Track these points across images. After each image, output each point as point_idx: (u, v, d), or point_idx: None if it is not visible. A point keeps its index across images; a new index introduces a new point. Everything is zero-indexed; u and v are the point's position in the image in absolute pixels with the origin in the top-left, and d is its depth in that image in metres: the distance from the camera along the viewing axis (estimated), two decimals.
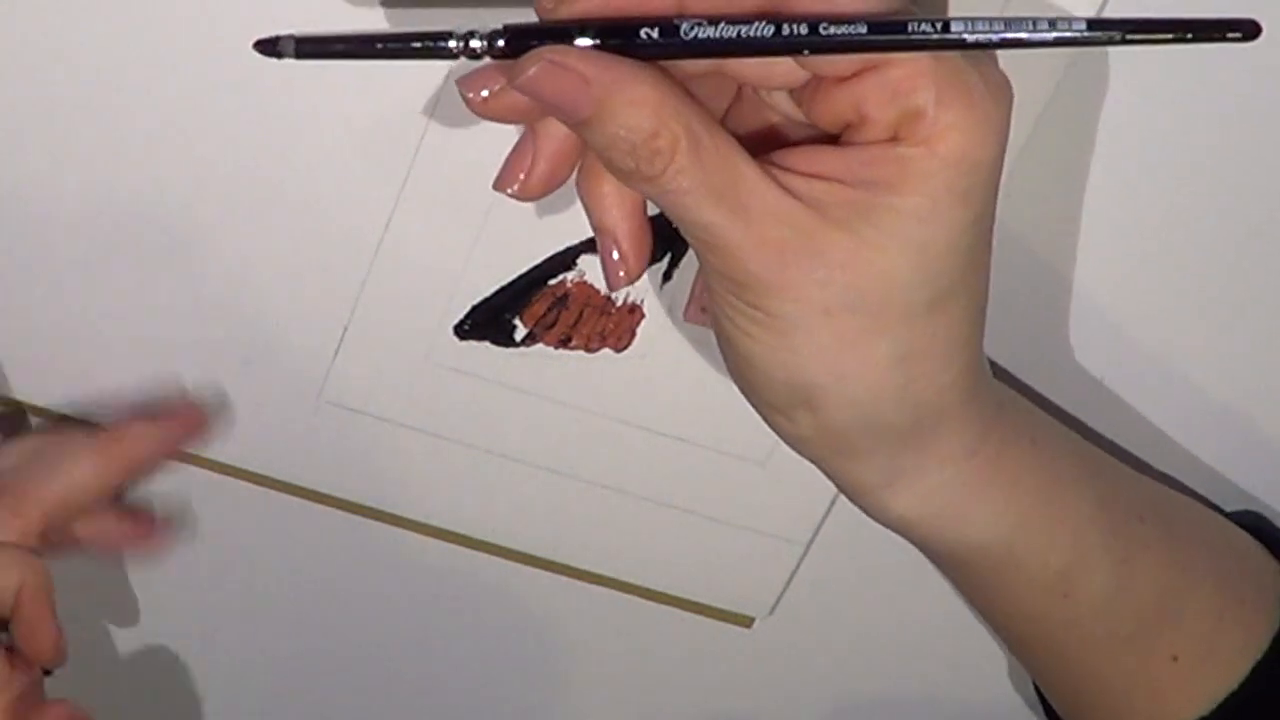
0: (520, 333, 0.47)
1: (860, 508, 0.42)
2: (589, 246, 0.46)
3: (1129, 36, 0.34)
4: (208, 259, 0.45)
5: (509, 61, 0.36)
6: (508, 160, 0.38)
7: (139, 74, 0.42)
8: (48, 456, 0.45)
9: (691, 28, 0.35)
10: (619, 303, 0.47)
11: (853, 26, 0.34)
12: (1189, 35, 0.33)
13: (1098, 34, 0.34)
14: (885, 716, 0.58)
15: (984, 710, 0.58)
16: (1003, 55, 0.37)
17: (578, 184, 0.39)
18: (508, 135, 0.43)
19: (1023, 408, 0.44)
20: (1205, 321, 0.49)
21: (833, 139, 0.37)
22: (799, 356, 0.37)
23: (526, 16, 0.36)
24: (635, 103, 0.35)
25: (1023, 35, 0.34)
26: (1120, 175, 0.47)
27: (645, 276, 0.47)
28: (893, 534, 0.53)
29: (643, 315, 0.47)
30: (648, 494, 0.51)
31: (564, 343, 0.47)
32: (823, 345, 0.37)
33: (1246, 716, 0.45)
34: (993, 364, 0.42)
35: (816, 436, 0.39)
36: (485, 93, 0.36)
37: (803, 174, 0.36)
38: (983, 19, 0.34)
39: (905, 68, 0.35)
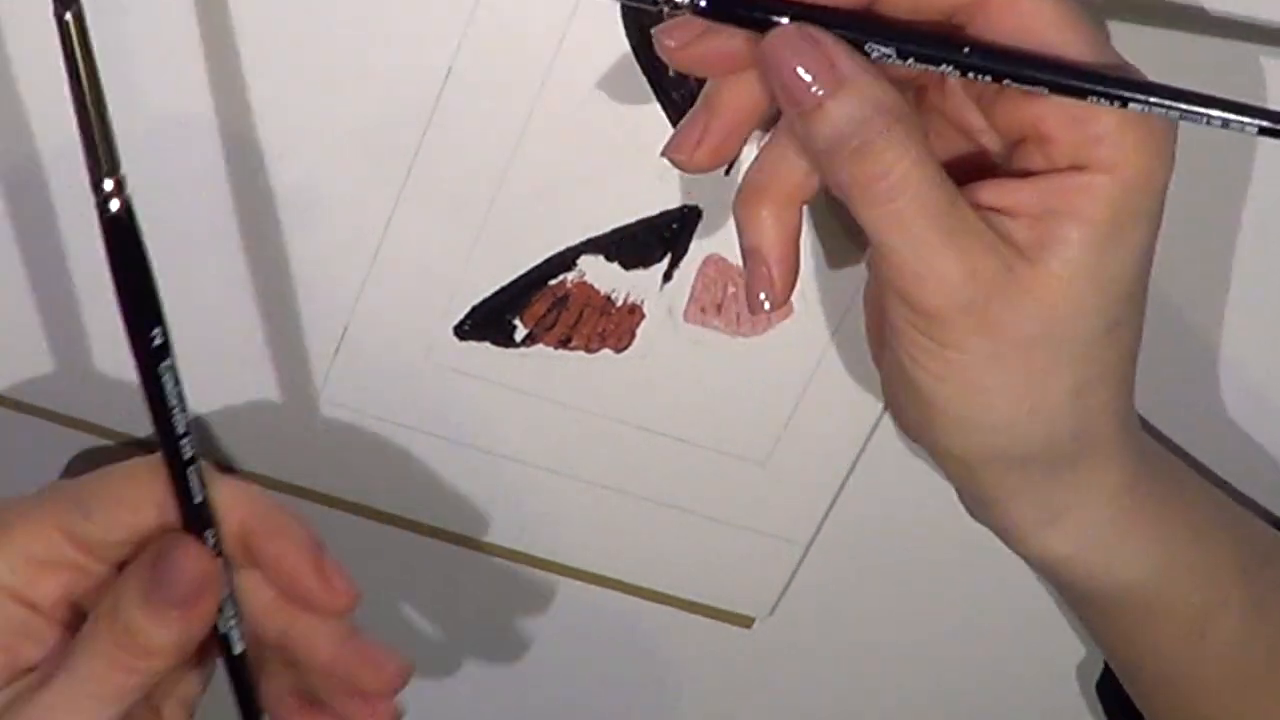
0: (520, 333, 0.47)
1: (1018, 550, 0.42)
2: (589, 246, 0.46)
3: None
4: (208, 259, 0.45)
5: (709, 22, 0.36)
6: (681, 127, 0.38)
7: (138, 73, 0.42)
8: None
9: (875, 49, 0.35)
10: (619, 303, 0.47)
11: (1044, 73, 0.35)
12: None
13: (1267, 135, 0.34)
14: (885, 716, 0.58)
15: (984, 709, 0.58)
16: None
17: (735, 203, 0.39)
18: (508, 135, 0.44)
19: (1160, 450, 0.44)
20: None
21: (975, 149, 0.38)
22: (988, 396, 0.37)
23: None
24: (871, 93, 0.34)
25: (1197, 110, 0.34)
26: (1271, 220, 0.47)
27: (645, 276, 0.47)
28: (893, 534, 0.53)
29: (643, 315, 0.47)
30: (648, 494, 0.51)
31: (564, 343, 0.47)
32: (1012, 381, 0.37)
33: None
34: None
35: (989, 477, 0.39)
36: (678, 41, 0.36)
37: (989, 208, 0.36)
38: (1158, 99, 0.34)
39: None
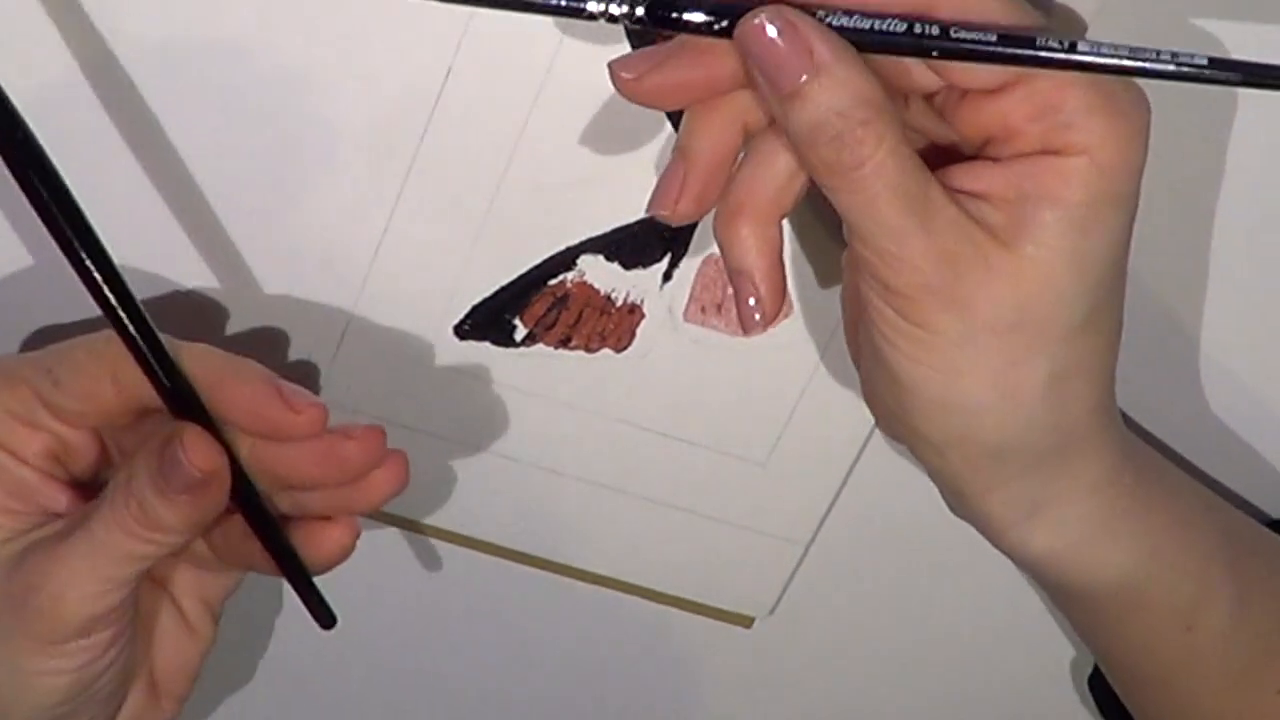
0: (520, 333, 0.47)
1: (999, 545, 0.42)
2: (589, 246, 0.46)
3: (1248, 79, 0.33)
4: (208, 259, 0.45)
5: (661, 45, 0.36)
6: (659, 183, 0.39)
7: (137, 73, 0.42)
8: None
9: (827, 15, 0.35)
10: (619, 303, 0.47)
11: (983, 35, 0.34)
12: None
13: (1218, 73, 0.33)
14: (885, 716, 0.58)
15: (983, 708, 0.58)
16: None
17: (715, 226, 0.39)
18: (508, 136, 0.44)
19: (1142, 444, 0.44)
20: None
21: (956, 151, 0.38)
22: (961, 378, 0.37)
23: None
24: (851, 83, 0.34)
25: (1145, 65, 0.34)
26: (1249, 214, 0.47)
27: (645, 276, 0.47)
28: (892, 534, 0.53)
29: (643, 315, 0.47)
30: (648, 494, 0.51)
31: (564, 343, 0.47)
32: (986, 364, 0.37)
33: None
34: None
35: (965, 466, 0.39)
36: (634, 73, 0.36)
37: (964, 192, 0.36)
38: (1107, 44, 0.34)
39: (1051, 80, 0.35)
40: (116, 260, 0.37)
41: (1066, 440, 0.39)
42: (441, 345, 0.47)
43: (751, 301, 0.39)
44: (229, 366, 0.40)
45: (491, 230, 0.45)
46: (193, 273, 0.45)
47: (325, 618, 0.44)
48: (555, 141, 0.44)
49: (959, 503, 0.41)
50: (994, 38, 0.34)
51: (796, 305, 0.47)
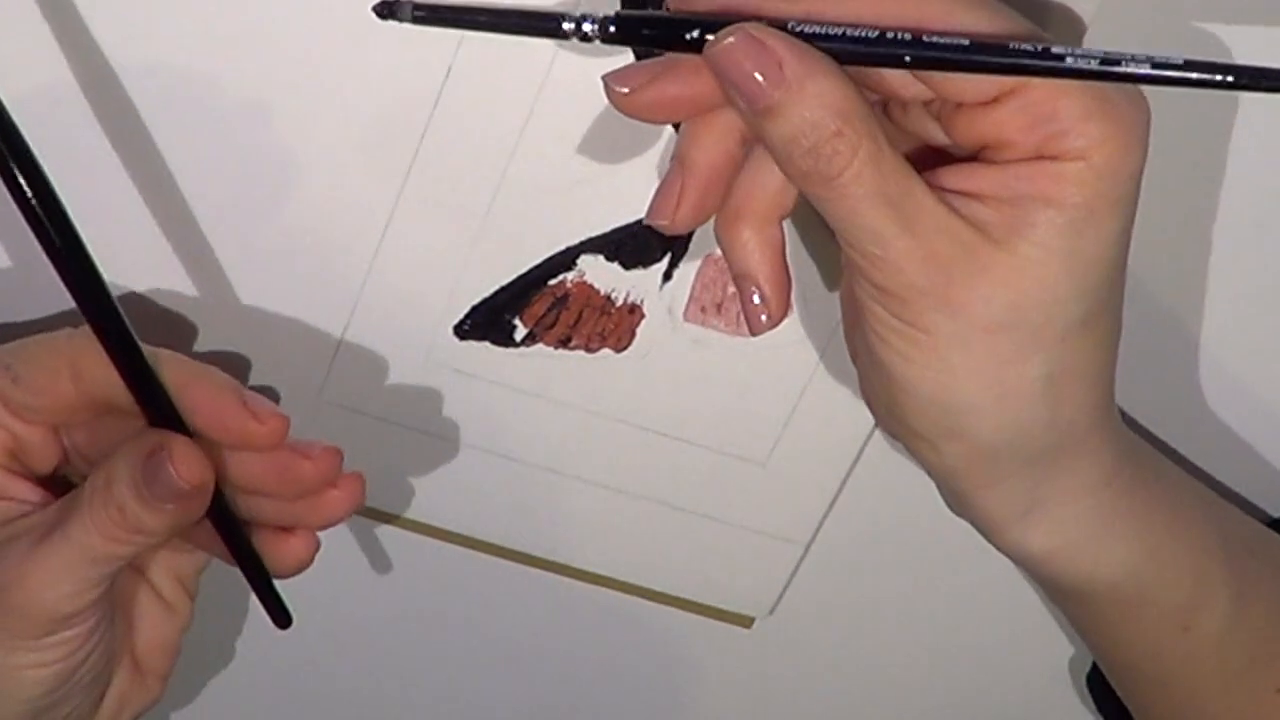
0: (520, 333, 0.47)
1: (997, 544, 0.42)
2: (589, 246, 0.46)
3: (1228, 80, 0.33)
4: (207, 259, 0.45)
5: (654, 60, 0.36)
6: (658, 193, 0.39)
7: (137, 72, 0.42)
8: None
9: (798, 25, 0.35)
10: (619, 303, 0.47)
11: (954, 40, 0.34)
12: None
13: (1195, 75, 0.33)
14: (885, 716, 0.58)
15: (983, 708, 0.58)
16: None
17: (716, 229, 0.39)
18: (508, 136, 0.44)
19: (1141, 443, 0.44)
20: None
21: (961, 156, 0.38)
22: (955, 376, 0.37)
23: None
24: (823, 96, 0.34)
25: (1125, 69, 0.34)
26: (1249, 214, 0.47)
27: (645, 276, 0.47)
28: (892, 534, 0.53)
29: (643, 315, 0.47)
30: (648, 494, 0.51)
31: (564, 343, 0.47)
32: (979, 364, 0.37)
33: None
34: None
35: (962, 465, 0.39)
36: (629, 87, 0.37)
37: (958, 192, 0.36)
38: (1083, 49, 0.34)
39: (1044, 90, 0.35)
40: (108, 259, 0.37)
41: (1064, 440, 0.39)
42: (441, 345, 0.47)
43: (757, 301, 0.39)
44: (196, 372, 0.40)
45: (491, 230, 0.45)
46: (192, 273, 0.45)
47: (281, 618, 0.44)
48: (555, 141, 0.44)
49: (957, 501, 0.41)
50: (965, 42, 0.34)
51: (796, 305, 0.47)
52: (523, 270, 0.46)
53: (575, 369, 0.48)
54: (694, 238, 0.46)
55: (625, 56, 0.42)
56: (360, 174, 0.44)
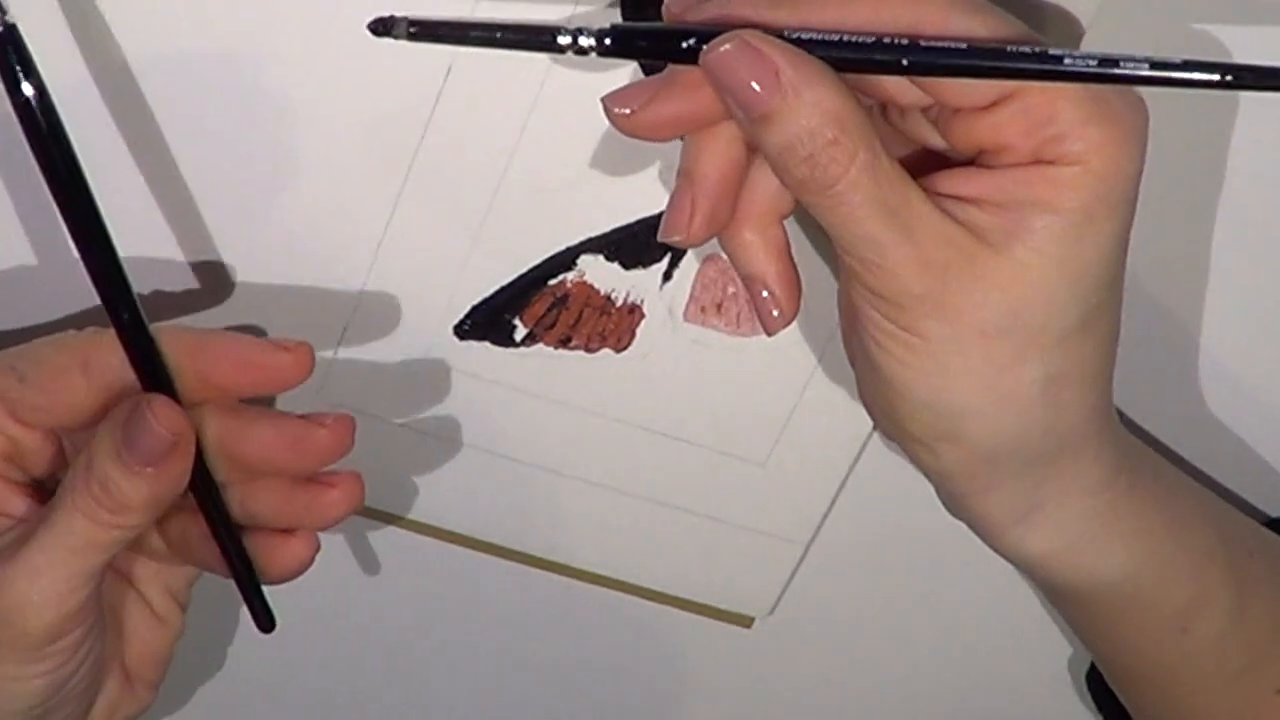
0: (520, 333, 0.47)
1: (995, 547, 0.42)
2: (589, 246, 0.46)
3: (1227, 79, 0.33)
4: (208, 259, 0.45)
5: (654, 78, 0.36)
6: (670, 209, 0.38)
7: (137, 72, 0.42)
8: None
9: (794, 33, 0.35)
10: (619, 303, 0.47)
11: (950, 44, 0.34)
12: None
13: (1195, 75, 0.33)
14: (885, 716, 0.58)
15: (983, 708, 0.58)
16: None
17: (720, 234, 0.39)
18: (508, 136, 0.44)
19: (1139, 445, 0.44)
20: None
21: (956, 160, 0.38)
22: (951, 380, 0.37)
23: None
24: (820, 103, 0.34)
25: (1123, 71, 0.34)
26: (1249, 214, 0.47)
27: (645, 276, 0.47)
28: (892, 534, 0.53)
29: (643, 315, 0.47)
30: (648, 494, 0.51)
31: (564, 343, 0.47)
32: (976, 368, 0.37)
33: None
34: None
35: (959, 468, 0.39)
36: (630, 107, 0.36)
37: (955, 198, 0.36)
38: (1081, 52, 0.34)
39: (1042, 94, 0.35)
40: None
41: (1062, 443, 0.39)
42: (441, 345, 0.47)
43: (767, 299, 0.39)
44: (209, 334, 0.40)
45: (491, 230, 0.45)
46: (191, 274, 0.45)
47: (265, 621, 0.44)
48: (555, 142, 0.44)
49: (954, 504, 0.41)
50: (963, 47, 0.34)
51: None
52: (523, 270, 0.46)
53: (575, 369, 0.48)
54: None
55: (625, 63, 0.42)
56: (360, 174, 0.44)
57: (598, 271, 0.46)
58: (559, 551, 0.52)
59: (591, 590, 0.53)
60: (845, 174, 0.35)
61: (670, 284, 0.47)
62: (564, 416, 0.49)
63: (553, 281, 0.46)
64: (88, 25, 0.41)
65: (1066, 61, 0.34)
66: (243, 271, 0.45)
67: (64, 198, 0.37)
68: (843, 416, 0.49)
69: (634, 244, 0.46)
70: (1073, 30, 0.43)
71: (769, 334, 0.40)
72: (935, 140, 0.38)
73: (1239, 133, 0.46)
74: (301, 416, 0.41)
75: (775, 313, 0.39)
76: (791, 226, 0.41)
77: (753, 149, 0.38)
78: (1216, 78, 0.33)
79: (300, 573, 0.43)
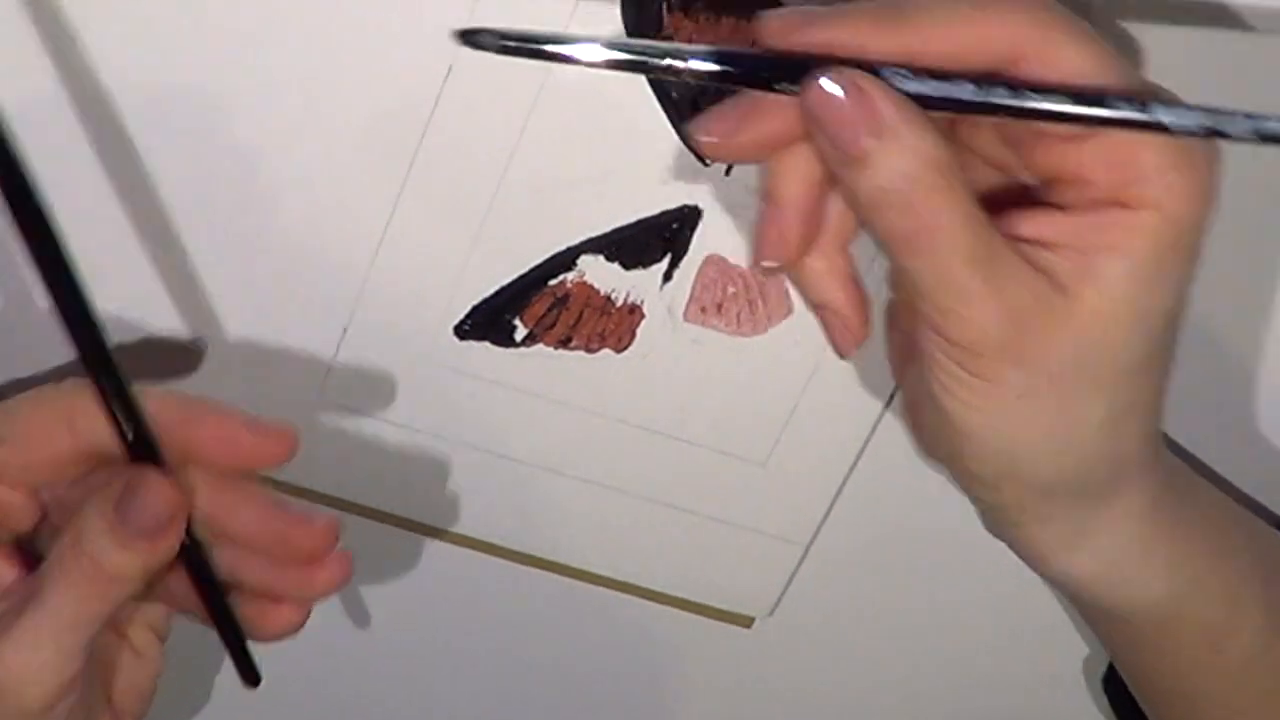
0: (520, 333, 0.47)
1: (1039, 570, 0.42)
2: (589, 246, 0.46)
3: None
4: (208, 259, 0.45)
5: (732, 101, 0.36)
6: (758, 234, 0.38)
7: (136, 73, 0.42)
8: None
9: (894, 75, 0.34)
10: (619, 303, 0.47)
11: (1054, 99, 0.34)
12: None
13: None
14: (885, 716, 0.58)
15: (984, 708, 0.58)
16: None
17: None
18: (508, 136, 0.44)
19: (1181, 466, 0.44)
20: None
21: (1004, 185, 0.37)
22: (1020, 425, 0.37)
23: None
24: (918, 149, 0.34)
25: (1225, 128, 0.33)
26: None
27: (645, 276, 0.47)
28: (892, 534, 0.53)
29: (643, 315, 0.47)
30: (648, 494, 0.51)
31: (564, 343, 0.47)
32: (1044, 410, 0.36)
33: None
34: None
35: (1016, 502, 0.39)
36: (718, 135, 0.36)
37: (1032, 241, 0.36)
38: (1184, 105, 0.34)
39: (1127, 134, 0.34)
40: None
41: (1117, 473, 0.39)
42: (441, 345, 0.47)
43: (840, 325, 0.39)
44: (197, 403, 0.40)
45: (491, 230, 0.45)
46: (193, 273, 0.45)
47: (251, 678, 0.44)
48: (555, 141, 0.44)
49: (1000, 529, 0.41)
50: (1067, 102, 0.34)
51: (796, 305, 0.47)
52: (523, 270, 0.46)
53: (575, 369, 0.48)
54: (694, 238, 0.46)
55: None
56: (360, 174, 0.44)
57: (598, 271, 0.46)
58: (559, 551, 0.52)
59: (592, 590, 0.53)
60: (943, 223, 0.34)
61: (670, 284, 0.47)
62: (564, 416, 0.49)
63: (553, 282, 0.46)
64: (77, 27, 0.41)
65: (1169, 121, 0.34)
66: (243, 272, 0.45)
67: (34, 241, 0.36)
68: (843, 416, 0.49)
69: (634, 244, 0.46)
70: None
71: (844, 356, 0.39)
72: (1007, 158, 0.38)
73: None
74: (289, 511, 0.41)
75: (849, 337, 0.39)
76: None
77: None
78: None
79: (291, 635, 0.43)
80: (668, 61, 0.34)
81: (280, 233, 0.44)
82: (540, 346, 0.47)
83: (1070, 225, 0.36)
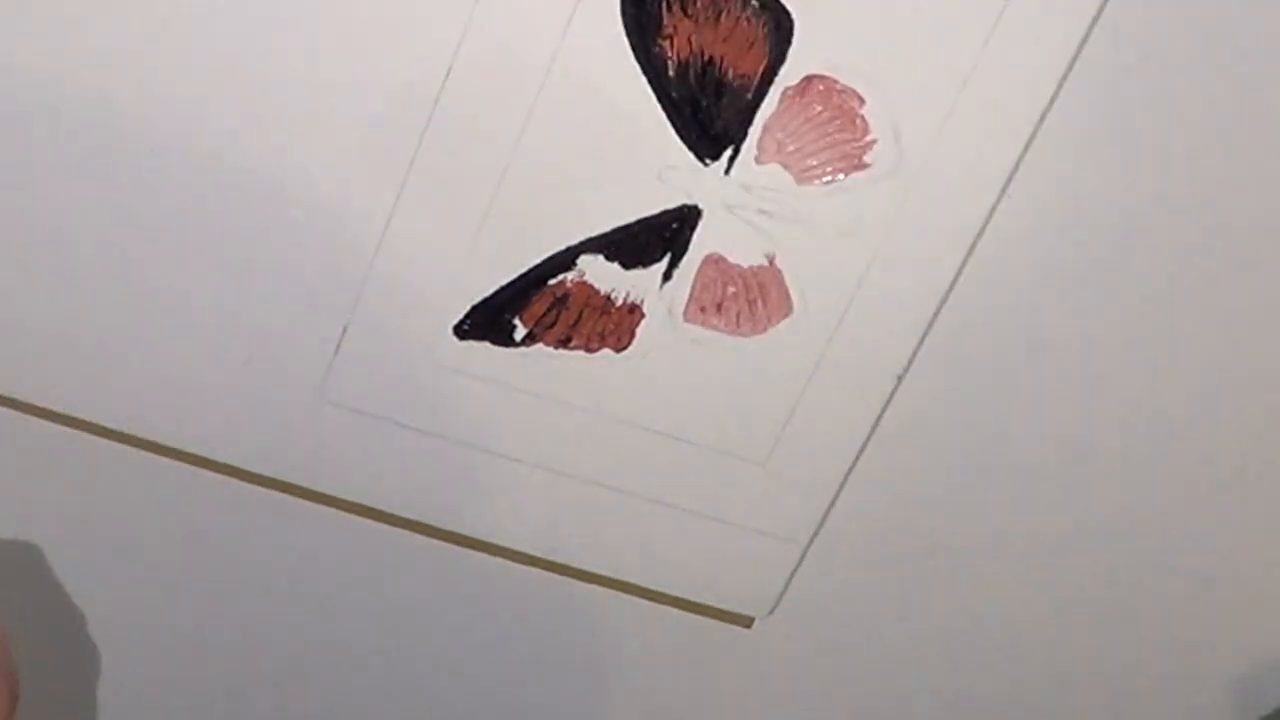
0: (520, 332, 0.47)
1: None
2: (589, 246, 0.46)
3: None
4: (208, 259, 0.45)
5: None
6: None
7: (138, 72, 0.42)
8: None
9: None
10: (619, 303, 0.47)
11: None
12: None
13: None
14: (885, 716, 0.58)
15: (982, 708, 0.58)
16: None
17: None
18: (508, 135, 0.44)
19: None
20: None
21: None
22: None
23: None
24: None
25: None
26: None
27: (645, 276, 0.47)
28: (892, 534, 0.53)
29: (643, 315, 0.47)
30: (648, 494, 0.51)
31: (564, 343, 0.47)
32: None
33: None
34: None
35: None
36: None
37: None
38: None
39: None
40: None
41: None
42: (441, 345, 0.47)
43: None
44: None
45: (491, 230, 0.45)
46: (193, 273, 0.45)
47: None
48: (555, 141, 0.44)
49: None
50: None
51: (796, 305, 0.47)
52: (523, 270, 0.46)
53: (575, 369, 0.48)
54: (694, 238, 0.46)
55: (627, 50, 0.42)
56: (360, 174, 0.44)
57: (598, 271, 0.46)
58: (559, 551, 0.52)
59: (591, 590, 0.53)
60: None
61: (670, 284, 0.47)
62: (564, 416, 0.49)
63: (553, 281, 0.46)
64: (74, 24, 0.41)
65: None
66: (243, 272, 0.45)
67: None
68: (843, 416, 0.49)
69: (634, 244, 0.46)
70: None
71: None
72: None
73: None
74: None
75: None
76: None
77: None
78: None
79: None
80: None
81: (281, 232, 0.44)
82: (540, 346, 0.47)
83: None
